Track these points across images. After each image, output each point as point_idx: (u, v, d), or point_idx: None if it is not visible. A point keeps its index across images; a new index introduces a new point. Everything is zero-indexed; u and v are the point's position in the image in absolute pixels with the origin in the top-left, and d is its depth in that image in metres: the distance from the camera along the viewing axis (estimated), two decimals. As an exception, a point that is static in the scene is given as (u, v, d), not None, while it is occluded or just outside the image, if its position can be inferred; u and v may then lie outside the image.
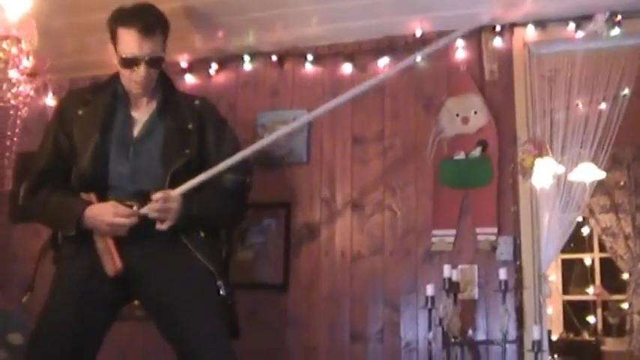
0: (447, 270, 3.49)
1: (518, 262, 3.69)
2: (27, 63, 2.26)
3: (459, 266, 3.70)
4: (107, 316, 2.79)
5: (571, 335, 6.96)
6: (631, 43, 3.88)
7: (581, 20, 3.77)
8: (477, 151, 3.84)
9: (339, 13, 3.95)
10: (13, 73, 2.37)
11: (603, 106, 4.11)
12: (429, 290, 3.47)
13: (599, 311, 7.11)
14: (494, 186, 3.80)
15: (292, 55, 4.31)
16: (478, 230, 3.77)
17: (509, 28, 3.93)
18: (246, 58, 4.38)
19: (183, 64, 4.44)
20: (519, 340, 3.59)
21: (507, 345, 3.50)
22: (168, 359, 2.78)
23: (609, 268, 7.07)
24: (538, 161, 3.79)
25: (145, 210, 2.66)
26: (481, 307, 3.71)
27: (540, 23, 3.87)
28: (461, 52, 3.99)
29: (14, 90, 2.24)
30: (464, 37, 3.94)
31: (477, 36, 3.96)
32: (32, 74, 2.41)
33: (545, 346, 3.61)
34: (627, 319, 6.76)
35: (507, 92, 3.89)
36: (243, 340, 2.87)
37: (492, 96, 3.91)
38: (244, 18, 4.06)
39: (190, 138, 2.84)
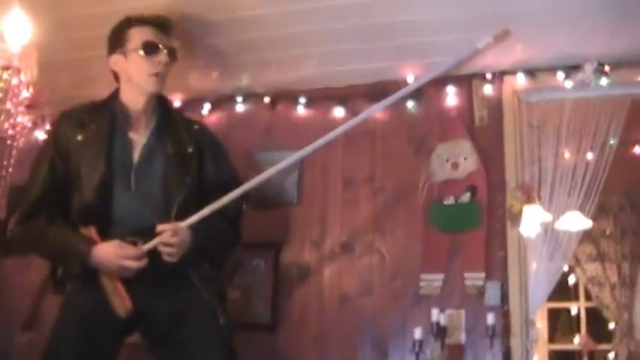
0: (434, 314, 3.51)
1: (505, 308, 3.69)
2: (26, 94, 2.28)
3: (447, 311, 3.71)
4: (113, 349, 2.77)
5: (556, 385, 6.97)
6: (618, 92, 3.95)
7: (570, 70, 3.85)
8: (466, 197, 3.88)
9: (332, 56, 4.01)
10: (10, 105, 2.39)
11: (590, 155, 4.18)
12: (417, 334, 3.49)
13: (585, 361, 7.12)
14: (483, 231, 3.82)
15: (285, 97, 4.37)
16: (466, 275, 3.79)
17: (500, 75, 4.00)
18: (239, 98, 4.44)
19: (177, 103, 4.47)
20: (506, 386, 3.60)
21: (494, 390, 3.52)
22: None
23: (595, 318, 7.07)
24: (526, 208, 3.84)
25: (152, 243, 2.63)
26: (468, 352, 3.69)
27: (530, 72, 3.95)
28: (452, 98, 4.06)
29: (12, 121, 2.26)
30: (455, 83, 4.02)
31: (467, 83, 4.04)
32: (30, 106, 2.42)
33: (532, 391, 3.63)
34: (613, 370, 6.78)
35: (497, 139, 3.94)
36: None
37: (482, 142, 3.96)
38: (238, 60, 4.10)
39: (190, 163, 2.84)
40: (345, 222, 4.12)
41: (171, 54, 2.88)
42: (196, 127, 3.02)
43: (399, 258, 3.97)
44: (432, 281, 3.83)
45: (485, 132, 3.98)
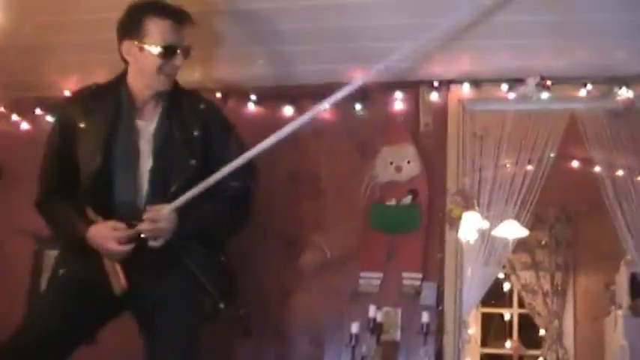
0: (372, 311, 3.62)
1: (440, 308, 3.83)
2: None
3: (384, 308, 3.83)
4: (98, 319, 2.79)
5: (486, 388, 7.16)
6: (559, 107, 4.11)
7: (514, 82, 3.99)
8: (407, 199, 4.00)
9: (285, 56, 4.10)
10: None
11: (529, 167, 4.33)
12: (354, 328, 3.59)
13: (516, 365, 7.33)
14: (422, 233, 3.95)
15: (236, 93, 4.41)
16: (404, 275, 3.91)
17: (446, 84, 4.13)
18: (189, 93, 4.47)
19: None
20: (437, 382, 3.72)
21: (425, 386, 3.64)
22: None
23: (527, 324, 7.29)
24: (465, 214, 3.98)
25: (133, 231, 2.63)
26: (403, 348, 3.82)
27: (475, 82, 4.09)
28: (399, 103, 4.18)
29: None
30: (402, 89, 4.13)
31: (415, 89, 4.16)
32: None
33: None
34: (542, 374, 7.00)
35: (440, 144, 4.07)
36: None
37: (426, 147, 4.08)
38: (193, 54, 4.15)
39: (195, 146, 2.78)
40: (288, 218, 4.20)
41: (186, 54, 2.82)
42: (202, 106, 2.93)
43: (340, 256, 4.07)
44: (370, 279, 3.95)
45: (430, 137, 4.11)
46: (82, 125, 2.74)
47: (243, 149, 2.83)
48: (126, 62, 2.83)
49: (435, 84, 4.11)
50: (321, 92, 4.13)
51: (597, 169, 4.40)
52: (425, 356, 3.61)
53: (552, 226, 7.12)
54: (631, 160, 4.23)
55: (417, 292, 3.85)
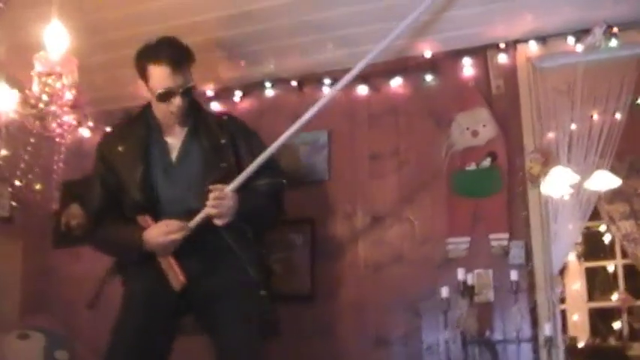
0: (460, 273, 3.71)
1: (529, 265, 3.89)
2: (69, 96, 2.54)
3: (475, 271, 3.90)
4: (172, 325, 3.08)
5: (597, 341, 7.09)
6: (627, 53, 4.06)
7: (580, 34, 3.98)
8: (487, 162, 4.07)
9: (351, 38, 4.21)
10: (55, 107, 2.65)
11: (616, 116, 4.28)
12: (444, 292, 3.70)
13: (624, 317, 7.22)
14: (505, 194, 4.01)
15: (310, 80, 4.58)
16: (491, 236, 3.98)
17: (513, 44, 4.16)
18: (268, 84, 4.67)
19: (210, 93, 4.74)
20: (535, 339, 3.78)
21: (523, 343, 3.72)
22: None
23: (632, 274, 7.18)
24: (554, 170, 4.01)
25: (201, 214, 2.92)
26: (497, 308, 3.90)
27: (541, 39, 4.09)
28: (468, 69, 4.23)
29: (58, 120, 2.52)
30: (470, 55, 4.20)
31: (482, 54, 4.20)
32: (74, 106, 2.69)
33: (559, 342, 3.82)
34: (652, 324, 6.90)
35: (513, 105, 4.11)
36: (275, 349, 3.13)
37: (499, 109, 4.14)
38: (263, 47, 4.35)
39: (224, 152, 3.08)
40: (373, 194, 4.34)
41: (186, 93, 3.05)
42: (225, 118, 3.29)
43: (427, 225, 4.18)
44: (458, 244, 4.04)
45: (502, 99, 4.16)
46: (120, 149, 3.08)
47: (265, 148, 3.13)
48: None
49: (502, 46, 4.14)
50: (391, 68, 4.35)
51: None
52: (517, 313, 3.68)
53: (647, 173, 6.99)
54: None
55: (506, 251, 3.92)
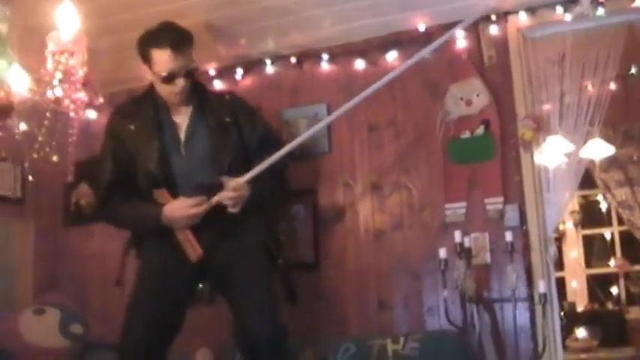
0: (457, 236, 3.87)
1: (524, 227, 4.05)
2: (81, 73, 2.69)
3: (472, 234, 4.06)
4: (187, 295, 3.28)
5: (595, 306, 7.26)
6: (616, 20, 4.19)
7: (568, 3, 4.10)
8: (480, 130, 4.22)
9: (348, 14, 4.34)
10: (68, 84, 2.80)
11: (607, 83, 4.40)
12: (442, 253, 3.87)
13: (621, 282, 7.39)
14: (499, 160, 4.17)
15: (309, 56, 4.72)
16: (486, 201, 4.14)
17: (504, 16, 4.29)
18: (268, 61, 4.80)
19: (212, 72, 4.87)
20: (530, 298, 3.94)
21: (519, 302, 3.89)
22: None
23: (629, 240, 7.34)
24: (548, 139, 4.16)
25: (217, 198, 3.08)
26: (494, 270, 4.07)
27: (531, 9, 4.22)
28: (461, 41, 4.37)
29: (72, 96, 2.67)
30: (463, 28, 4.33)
31: (474, 25, 4.31)
32: (84, 84, 2.83)
33: (554, 299, 3.99)
34: (648, 288, 7.07)
35: (505, 74, 4.26)
36: (282, 316, 3.28)
37: (492, 79, 4.28)
38: (263, 26, 4.47)
39: (230, 130, 3.26)
40: (372, 164, 4.51)
41: (189, 75, 3.21)
42: (227, 97, 3.47)
43: (424, 192, 4.35)
44: (456, 209, 4.20)
45: (494, 69, 4.30)
46: (132, 127, 3.23)
47: (269, 124, 3.44)
48: None
49: (493, 17, 4.27)
50: (387, 43, 4.48)
51: None
52: (513, 273, 3.83)
53: (641, 141, 7.13)
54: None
55: (501, 215, 4.08)
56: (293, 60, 4.75)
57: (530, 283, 3.97)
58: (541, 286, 3.78)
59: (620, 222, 7.39)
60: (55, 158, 2.77)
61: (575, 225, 7.59)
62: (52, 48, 2.54)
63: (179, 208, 3.08)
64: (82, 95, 2.72)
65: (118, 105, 3.44)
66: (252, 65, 4.86)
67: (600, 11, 4.03)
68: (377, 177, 4.47)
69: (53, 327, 4.36)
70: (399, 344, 3.89)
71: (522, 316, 3.93)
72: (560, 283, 7.37)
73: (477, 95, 4.23)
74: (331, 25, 4.49)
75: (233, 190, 3.08)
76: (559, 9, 4.15)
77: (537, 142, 4.13)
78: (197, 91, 3.33)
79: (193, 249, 3.10)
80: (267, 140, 3.39)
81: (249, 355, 3.18)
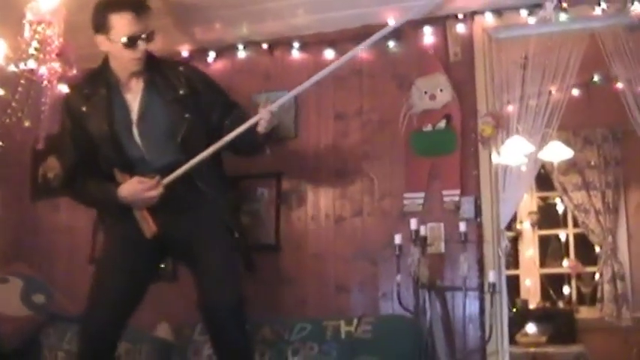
0: (413, 223, 4.00)
1: (479, 219, 4.21)
2: (57, 43, 2.77)
3: (428, 224, 4.21)
4: (149, 270, 3.39)
5: (547, 304, 7.46)
6: (578, 27, 4.36)
7: (533, 7, 4.26)
8: (442, 124, 4.36)
9: (322, 4, 4.47)
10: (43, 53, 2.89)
11: (565, 87, 4.57)
12: (397, 239, 4.01)
13: (573, 282, 7.60)
14: (458, 154, 4.31)
15: (281, 43, 4.82)
16: (444, 192, 4.29)
17: (470, 15, 4.43)
18: (240, 47, 4.90)
19: (185, 54, 4.95)
20: (480, 288, 4.10)
21: (469, 291, 4.04)
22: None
23: (582, 243, 7.55)
24: (509, 140, 4.33)
25: (258, 116, 3.25)
26: (447, 259, 4.22)
27: (497, 11, 4.37)
28: (429, 37, 4.51)
29: (48, 65, 2.75)
30: (431, 24, 4.48)
31: (442, 23, 4.48)
32: (59, 54, 2.92)
33: (503, 290, 4.16)
34: (599, 289, 7.26)
35: (469, 72, 4.41)
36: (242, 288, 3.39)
37: (456, 76, 4.42)
38: (238, 11, 4.56)
39: (186, 103, 3.28)
40: (337, 152, 4.63)
41: (150, 38, 3.23)
42: (181, 68, 3.44)
43: (386, 181, 4.48)
44: (414, 199, 4.35)
45: (459, 66, 4.44)
46: (84, 109, 3.25)
47: (227, 92, 3.47)
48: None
49: (460, 16, 4.42)
50: (358, 35, 4.59)
51: (620, 85, 4.61)
52: (465, 262, 3.97)
53: (600, 147, 7.33)
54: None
55: (457, 206, 4.22)
56: (265, 46, 4.85)
57: (481, 273, 4.12)
58: (491, 276, 3.93)
59: (576, 224, 7.59)
60: (27, 123, 2.85)
61: (533, 225, 7.79)
62: (30, 17, 2.62)
63: (133, 191, 3.16)
64: (56, 65, 2.79)
65: (73, 82, 3.41)
66: (225, 50, 4.95)
67: (562, 17, 4.20)
68: (341, 164, 4.60)
69: (15, 296, 4.43)
70: (352, 326, 4.03)
71: (472, 304, 4.09)
72: (515, 281, 7.58)
73: (441, 90, 4.37)
74: (304, 14, 4.59)
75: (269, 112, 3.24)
76: (524, 12, 4.30)
77: (496, 139, 4.29)
78: (149, 64, 3.31)
79: (148, 226, 3.20)
80: (231, 104, 3.49)
81: (210, 325, 3.27)
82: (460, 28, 4.44)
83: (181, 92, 3.30)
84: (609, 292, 7.13)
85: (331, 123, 4.67)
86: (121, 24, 3.14)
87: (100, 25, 3.19)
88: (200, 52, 4.97)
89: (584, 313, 7.36)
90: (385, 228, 4.38)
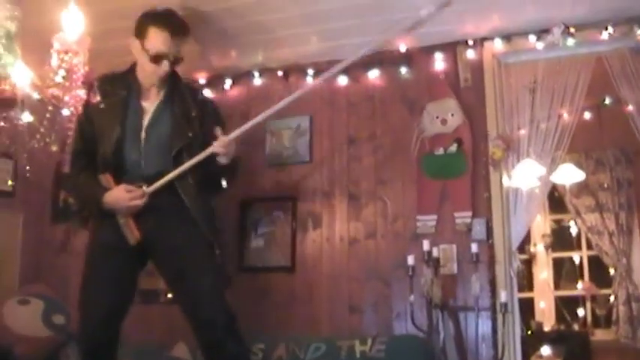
0: (426, 245, 4.10)
1: (490, 241, 4.29)
2: (82, 72, 2.90)
3: (440, 245, 4.29)
4: (133, 274, 3.40)
5: (562, 327, 7.48)
6: (585, 51, 4.45)
7: (541, 33, 4.37)
8: (453, 147, 4.46)
9: (334, 32, 4.57)
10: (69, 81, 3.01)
11: (574, 108, 4.64)
12: (410, 260, 4.10)
13: (588, 304, 7.62)
14: (469, 176, 4.40)
15: (295, 70, 4.97)
16: (456, 214, 4.38)
17: (480, 41, 4.55)
18: (256, 74, 5.06)
19: (202, 81, 5.10)
20: (493, 308, 4.17)
21: (482, 311, 4.11)
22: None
23: (596, 265, 7.58)
24: (522, 163, 4.41)
25: (211, 149, 3.28)
26: (460, 279, 4.29)
27: (506, 37, 4.49)
28: (439, 63, 4.62)
29: (73, 93, 2.88)
30: (442, 50, 4.59)
31: (452, 49, 4.60)
32: (84, 82, 3.04)
33: (515, 310, 4.22)
34: (613, 311, 7.28)
35: (479, 96, 4.51)
36: (258, 315, 3.47)
37: (466, 100, 4.53)
38: (254, 39, 4.69)
39: (193, 123, 3.39)
40: (350, 175, 4.74)
41: (175, 62, 3.40)
42: (200, 96, 3.61)
43: (398, 204, 4.58)
44: (426, 221, 4.44)
45: (469, 91, 4.55)
46: (102, 106, 3.35)
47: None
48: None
49: (470, 42, 4.53)
50: (370, 61, 4.72)
51: (630, 107, 4.65)
52: (477, 282, 4.05)
53: (613, 169, 7.37)
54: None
55: (469, 228, 4.31)
56: (280, 73, 5.00)
57: (493, 293, 4.19)
58: (502, 296, 4.00)
59: (589, 246, 7.63)
60: (54, 148, 2.97)
61: (546, 248, 7.83)
62: (58, 47, 2.74)
63: (119, 198, 3.24)
64: (81, 92, 2.91)
65: (102, 75, 3.47)
66: (241, 76, 5.10)
67: (569, 42, 4.29)
68: (354, 187, 4.70)
69: (36, 317, 4.54)
70: (366, 345, 4.11)
71: (485, 324, 4.16)
72: (530, 303, 7.62)
73: (452, 115, 4.47)
74: (318, 42, 4.72)
75: (223, 143, 3.28)
76: (532, 37, 4.40)
77: (506, 162, 4.38)
78: (172, 81, 3.47)
79: (132, 233, 3.27)
80: None
81: (206, 340, 3.28)
82: (470, 54, 4.55)
83: (193, 114, 3.42)
84: (624, 314, 7.14)
85: (345, 147, 4.79)
86: (155, 38, 3.31)
87: (139, 31, 3.36)
88: (217, 79, 5.11)
89: (600, 335, 7.37)
90: (398, 249, 4.47)
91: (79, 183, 3.42)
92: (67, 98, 2.78)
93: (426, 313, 4.18)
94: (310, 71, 4.89)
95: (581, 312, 7.61)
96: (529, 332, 7.04)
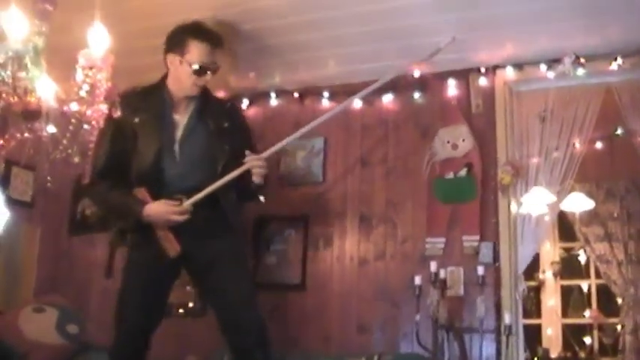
0: (433, 266, 4.18)
1: (497, 264, 4.36)
2: (105, 87, 3.00)
3: (448, 268, 4.36)
4: (169, 286, 3.53)
5: (569, 354, 7.49)
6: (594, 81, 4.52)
7: (552, 62, 4.47)
8: (463, 172, 4.56)
9: (351, 57, 4.70)
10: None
11: (583, 137, 4.69)
12: (417, 280, 4.18)
13: (595, 333, 7.63)
14: (478, 201, 4.49)
15: (311, 92, 5.10)
16: (464, 238, 4.47)
17: (492, 69, 4.66)
18: (273, 95, 5.18)
19: (220, 100, 5.22)
20: (497, 330, 4.23)
21: (486, 333, 4.18)
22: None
23: (605, 293, 7.59)
24: (532, 190, 4.48)
25: (247, 165, 3.40)
26: (466, 301, 4.36)
27: (518, 65, 4.59)
28: (452, 89, 4.73)
29: (95, 107, 2.97)
30: (454, 77, 4.69)
31: (465, 76, 4.70)
32: (106, 97, 3.14)
33: (520, 332, 4.29)
34: (620, 340, 7.29)
35: (490, 123, 4.61)
36: (269, 330, 3.53)
37: (477, 126, 4.63)
38: (271, 61, 4.83)
39: (227, 135, 3.51)
40: (362, 197, 4.84)
41: (216, 71, 3.54)
42: (228, 105, 3.76)
43: (408, 226, 4.67)
44: (435, 244, 4.52)
45: (481, 117, 4.66)
46: (136, 120, 3.42)
47: (254, 141, 3.68)
48: (167, 68, 3.56)
49: (483, 70, 4.65)
50: (384, 86, 4.80)
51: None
52: (482, 304, 4.12)
53: (623, 198, 7.40)
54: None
55: (476, 251, 4.39)
56: (296, 95, 5.13)
57: (498, 316, 4.25)
58: (507, 318, 4.07)
59: (598, 275, 7.64)
60: (76, 159, 3.06)
61: (555, 275, 7.84)
62: (83, 62, 2.84)
63: (161, 212, 3.32)
64: (103, 107, 3.01)
65: (124, 92, 3.40)
66: (258, 97, 5.23)
67: (580, 72, 4.38)
68: (366, 209, 4.80)
69: (51, 325, 4.62)
70: (373, 363, 4.18)
71: (489, 346, 4.22)
72: (537, 330, 7.64)
73: (463, 140, 4.57)
74: (334, 66, 4.84)
75: (260, 160, 3.42)
76: (543, 67, 4.51)
77: (515, 189, 4.46)
78: (202, 94, 3.58)
79: (171, 246, 3.35)
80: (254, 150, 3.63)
81: (239, 348, 3.39)
82: (482, 81, 4.66)
83: (225, 125, 3.54)
84: (631, 344, 7.12)
85: (357, 169, 4.89)
86: (198, 51, 3.43)
87: (177, 46, 3.47)
88: (235, 99, 5.16)
89: (606, 363, 7.38)
90: (406, 271, 4.54)
91: (111, 198, 3.46)
92: (89, 112, 2.86)
93: (431, 333, 4.24)
94: (326, 94, 5.01)
95: (588, 340, 7.60)
96: (535, 358, 7.05)
